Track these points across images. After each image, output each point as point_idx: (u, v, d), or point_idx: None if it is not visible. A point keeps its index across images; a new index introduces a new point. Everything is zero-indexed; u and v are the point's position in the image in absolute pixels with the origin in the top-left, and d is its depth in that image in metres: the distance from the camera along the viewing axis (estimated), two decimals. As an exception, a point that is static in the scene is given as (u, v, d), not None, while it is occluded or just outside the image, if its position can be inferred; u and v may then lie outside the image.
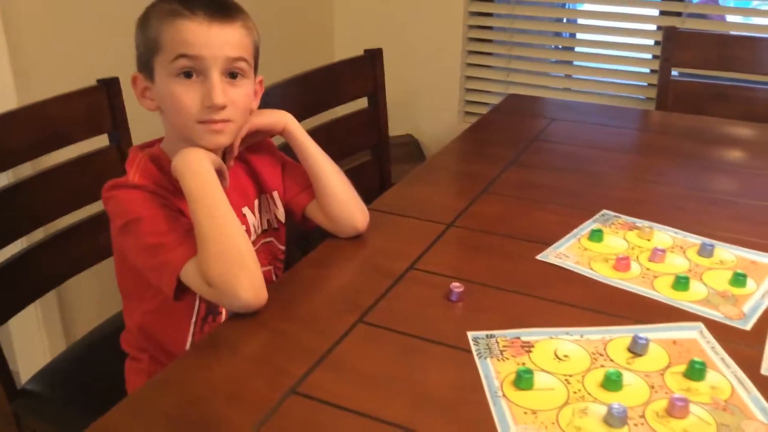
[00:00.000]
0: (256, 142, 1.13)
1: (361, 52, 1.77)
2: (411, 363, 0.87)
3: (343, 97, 1.71)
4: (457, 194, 1.36)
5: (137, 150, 1.05)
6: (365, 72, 1.75)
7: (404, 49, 2.63)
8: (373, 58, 1.75)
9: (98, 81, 1.38)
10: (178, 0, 0.97)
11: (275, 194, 1.16)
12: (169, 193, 1.01)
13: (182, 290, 0.95)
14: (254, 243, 1.11)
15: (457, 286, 1.00)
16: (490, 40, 2.63)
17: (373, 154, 1.85)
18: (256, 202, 1.14)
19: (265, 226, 1.16)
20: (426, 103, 2.72)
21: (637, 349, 0.88)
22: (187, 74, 0.97)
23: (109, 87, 1.39)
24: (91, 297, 1.83)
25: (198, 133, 0.99)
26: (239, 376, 0.83)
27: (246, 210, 1.12)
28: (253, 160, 1.14)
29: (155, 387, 0.82)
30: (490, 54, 2.65)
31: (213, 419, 0.76)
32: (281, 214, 1.17)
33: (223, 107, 0.98)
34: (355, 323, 0.94)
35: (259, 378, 0.83)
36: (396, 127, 2.62)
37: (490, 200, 1.33)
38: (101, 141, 1.41)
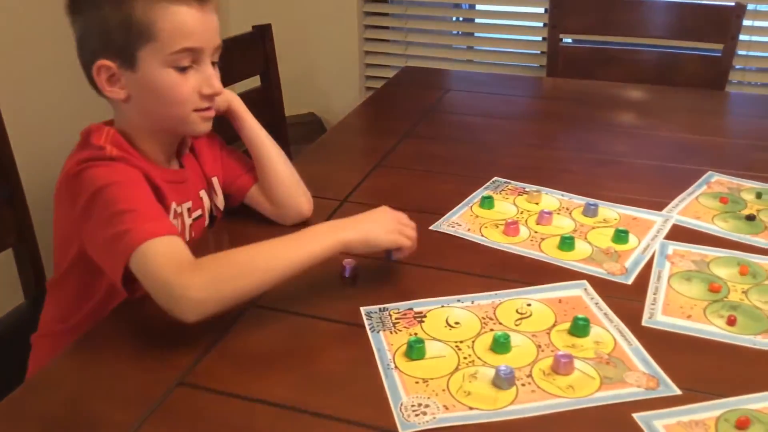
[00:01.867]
0: None
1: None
2: (303, 343, 0.86)
3: (232, 76, 1.66)
4: (351, 169, 1.35)
5: (100, 125, 0.97)
6: (255, 49, 1.71)
7: (300, 25, 2.59)
8: (262, 33, 1.71)
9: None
10: None
11: (215, 180, 1.11)
12: (143, 166, 0.95)
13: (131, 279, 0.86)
14: (200, 227, 1.09)
15: (349, 262, 0.99)
16: (386, 14, 2.62)
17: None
18: (205, 184, 1.11)
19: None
20: (326, 80, 2.69)
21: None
22: (186, 66, 0.94)
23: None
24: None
25: (193, 123, 0.97)
26: (121, 373, 0.80)
27: (203, 193, 1.09)
28: (194, 143, 1.10)
29: (29, 390, 0.78)
30: (387, 28, 2.64)
31: (92, 419, 0.73)
32: (220, 201, 1.13)
33: (219, 95, 0.98)
34: (246, 308, 0.92)
35: (142, 372, 0.80)
36: (297, 106, 2.58)
37: (385, 173, 1.33)
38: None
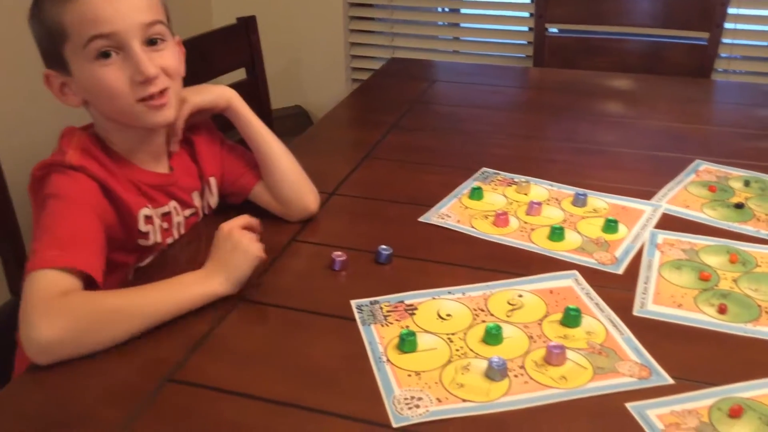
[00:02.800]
0: (195, 122, 1.06)
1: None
2: (294, 337, 0.85)
3: (218, 69, 1.65)
4: (339, 162, 1.34)
5: (74, 128, 0.96)
6: (240, 41, 1.69)
7: (285, 17, 2.57)
8: (247, 26, 1.69)
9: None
10: None
11: (212, 180, 1.09)
12: (109, 174, 0.93)
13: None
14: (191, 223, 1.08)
15: (339, 255, 0.98)
16: (371, 5, 2.61)
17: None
18: (201, 185, 1.09)
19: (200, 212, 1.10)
20: (312, 73, 2.67)
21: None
22: (105, 54, 0.88)
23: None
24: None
25: (141, 114, 0.92)
26: (110, 370, 0.79)
27: (195, 194, 1.07)
28: (195, 141, 1.07)
29: (15, 389, 0.77)
30: (372, 19, 2.62)
31: (81, 416, 0.72)
32: (214, 201, 1.11)
33: (155, 77, 0.90)
34: (235, 303, 0.91)
35: (132, 369, 0.79)
36: (283, 99, 2.56)
37: (373, 166, 1.32)
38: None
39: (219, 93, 1.06)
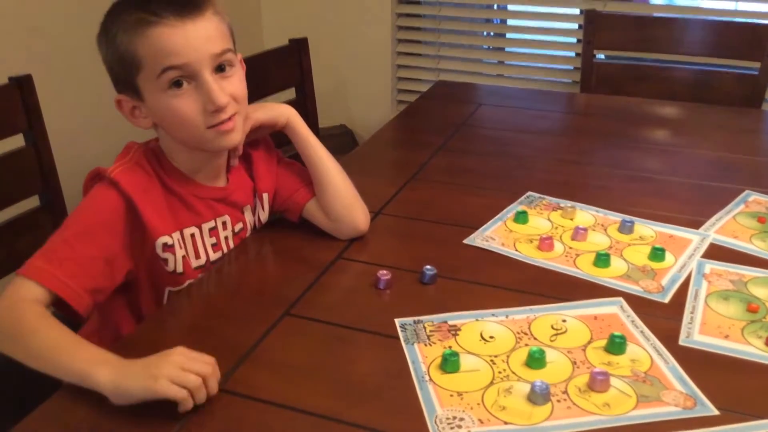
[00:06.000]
0: (255, 138, 1.10)
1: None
2: (338, 353, 0.87)
3: (269, 88, 1.69)
4: (385, 182, 1.36)
5: (134, 143, 1.01)
6: (291, 62, 1.73)
7: (335, 38, 2.62)
8: (299, 47, 1.73)
9: (10, 79, 1.33)
10: (138, 7, 0.90)
11: (265, 196, 1.12)
12: (146, 193, 0.95)
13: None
14: (240, 239, 1.11)
15: (384, 274, 1.00)
16: (419, 28, 2.64)
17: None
18: (254, 200, 1.12)
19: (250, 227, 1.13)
20: (359, 93, 2.71)
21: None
22: (178, 84, 0.92)
23: (22, 85, 1.33)
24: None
25: (210, 140, 0.96)
26: (161, 377, 0.81)
27: (247, 209, 1.10)
28: (253, 157, 1.10)
29: (63, 399, 0.78)
30: (419, 42, 2.66)
31: (131, 422, 0.74)
32: (265, 217, 1.13)
33: (226, 105, 0.94)
34: (281, 316, 0.93)
35: (182, 377, 0.81)
36: (329, 118, 2.61)
37: (418, 187, 1.34)
38: (16, 141, 1.36)
39: (280, 111, 1.09)
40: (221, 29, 0.95)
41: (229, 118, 0.95)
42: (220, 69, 0.94)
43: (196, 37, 0.91)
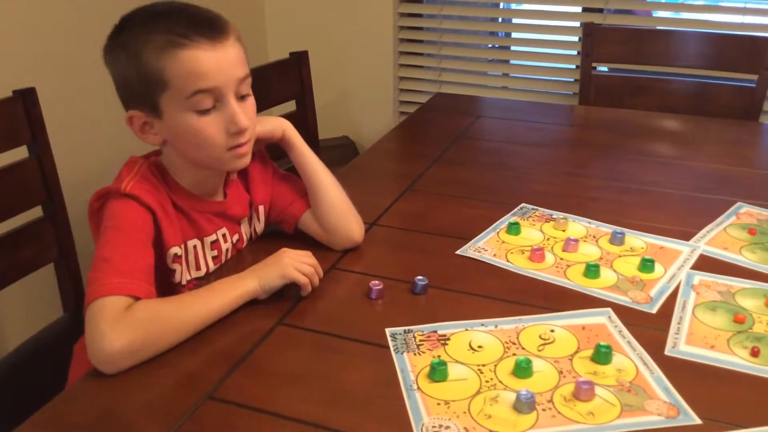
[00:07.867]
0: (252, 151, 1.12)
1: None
2: (329, 361, 0.88)
3: (270, 100, 1.72)
4: (381, 193, 1.37)
5: (137, 158, 1.02)
6: (292, 75, 1.76)
7: (338, 50, 2.64)
8: (299, 60, 1.76)
9: (14, 92, 1.36)
10: (169, 29, 0.91)
11: (261, 209, 1.14)
12: (159, 206, 0.97)
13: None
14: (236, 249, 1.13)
15: (376, 284, 1.02)
16: (420, 41, 2.66)
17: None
18: (250, 212, 1.14)
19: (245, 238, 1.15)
20: (361, 104, 2.73)
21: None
22: (206, 105, 0.94)
23: (26, 97, 1.36)
24: (17, 313, 1.79)
25: (227, 161, 0.99)
26: (153, 385, 0.83)
27: (243, 221, 1.12)
28: (249, 170, 1.12)
29: (65, 400, 0.81)
30: (421, 54, 2.68)
31: (125, 429, 0.76)
32: (260, 228, 1.16)
33: (247, 129, 0.97)
34: (274, 326, 0.95)
35: (174, 385, 0.83)
36: (332, 129, 2.63)
37: (414, 198, 1.35)
38: (20, 153, 1.38)
39: (276, 124, 1.11)
40: (242, 55, 0.98)
41: (246, 142, 0.99)
42: (239, 93, 0.97)
43: (226, 61, 0.94)
